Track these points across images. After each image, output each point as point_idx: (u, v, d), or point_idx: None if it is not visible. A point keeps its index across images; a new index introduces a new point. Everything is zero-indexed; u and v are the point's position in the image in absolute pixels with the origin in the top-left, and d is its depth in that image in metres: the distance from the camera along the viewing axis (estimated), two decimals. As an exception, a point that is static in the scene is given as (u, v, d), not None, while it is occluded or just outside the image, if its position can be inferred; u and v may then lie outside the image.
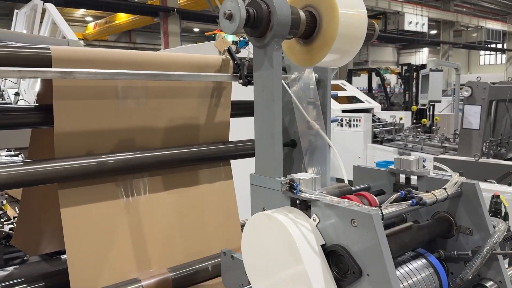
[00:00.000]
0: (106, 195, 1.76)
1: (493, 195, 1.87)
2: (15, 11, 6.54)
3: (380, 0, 18.31)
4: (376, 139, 8.04)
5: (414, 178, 1.60)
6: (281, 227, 1.25)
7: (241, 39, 2.01)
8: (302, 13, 1.40)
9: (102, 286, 1.68)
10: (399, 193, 1.33)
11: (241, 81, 1.96)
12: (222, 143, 2.11)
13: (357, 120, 8.14)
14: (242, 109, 2.26)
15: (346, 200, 1.25)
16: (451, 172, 1.54)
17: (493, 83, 6.60)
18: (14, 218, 2.71)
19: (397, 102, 13.02)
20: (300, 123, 2.18)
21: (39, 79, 2.30)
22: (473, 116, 6.44)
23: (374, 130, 8.08)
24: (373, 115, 8.85)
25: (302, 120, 2.15)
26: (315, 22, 1.42)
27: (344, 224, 1.20)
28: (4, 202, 3.07)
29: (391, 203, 1.28)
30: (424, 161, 1.63)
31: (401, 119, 8.34)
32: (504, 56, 29.67)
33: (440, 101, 8.54)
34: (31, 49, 1.54)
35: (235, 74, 1.99)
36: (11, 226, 2.60)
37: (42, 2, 5.45)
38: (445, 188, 1.43)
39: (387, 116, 8.90)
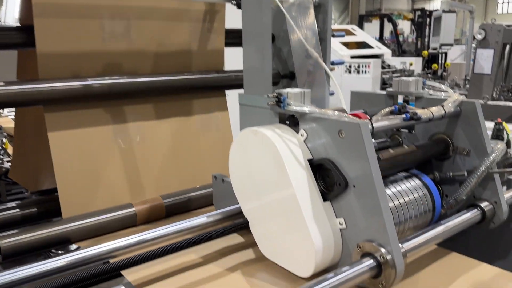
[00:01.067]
0: (95, 120, 1.72)
1: (496, 122, 1.81)
2: None
3: None
4: (385, 85, 7.86)
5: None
6: (267, 142, 1.22)
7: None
8: None
9: (94, 210, 1.68)
10: (393, 107, 1.27)
11: (235, 2, 1.85)
12: (216, 72, 2.04)
13: (366, 66, 7.92)
14: (239, 37, 2.17)
15: (337, 112, 1.19)
16: (450, 92, 1.47)
17: (508, 26, 6.32)
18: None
19: (409, 49, 12.63)
20: (298, 51, 2.10)
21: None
22: (485, 60, 6.22)
23: (383, 76, 7.88)
24: (383, 61, 8.59)
25: (300, 48, 2.06)
26: None
27: (332, 137, 1.16)
28: (4, 140, 3.07)
29: (381, 116, 1.23)
30: (424, 82, 1.56)
31: (411, 64, 8.12)
32: (523, 3, 28.41)
33: (452, 45, 8.27)
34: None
35: (227, -5, 1.88)
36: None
37: None
38: (442, 106, 1.37)
39: (397, 62, 8.66)
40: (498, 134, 1.81)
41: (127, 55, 1.80)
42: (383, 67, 8.15)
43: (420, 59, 8.84)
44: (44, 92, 1.54)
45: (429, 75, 7.67)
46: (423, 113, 1.31)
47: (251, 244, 1.40)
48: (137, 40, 1.81)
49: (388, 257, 1.06)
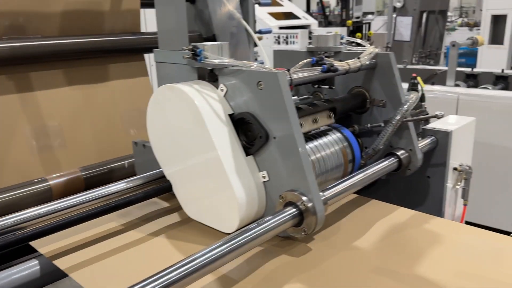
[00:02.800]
0: (-4, 88, 1.57)
1: (411, 77, 1.90)
2: None
3: None
4: (313, 55, 8.00)
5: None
6: (185, 98, 1.18)
7: None
8: None
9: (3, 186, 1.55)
10: (310, 59, 1.28)
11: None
12: (132, 34, 1.94)
13: (294, 36, 8.01)
14: None
15: (256, 64, 1.18)
16: (367, 45, 1.51)
17: (425, -6, 6.67)
18: None
19: (334, 21, 12.94)
20: (219, 12, 2.05)
21: None
22: (405, 27, 6.56)
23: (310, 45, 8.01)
24: (310, 32, 8.74)
25: (221, 9, 2.01)
26: None
27: (251, 89, 1.15)
28: None
29: (300, 68, 1.23)
30: (342, 37, 1.59)
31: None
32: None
33: (373, 13, 8.59)
34: None
35: None
36: None
37: None
38: (359, 58, 1.40)
39: (323, 32, 8.83)
40: (413, 88, 1.90)
41: (30, 15, 1.65)
42: (310, 38, 8.28)
43: (345, 29, 9.09)
44: None
45: (353, 44, 7.90)
46: (340, 65, 1.34)
47: (176, 208, 1.37)
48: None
49: (309, 204, 1.08)
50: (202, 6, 2.18)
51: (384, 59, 1.47)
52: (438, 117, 1.52)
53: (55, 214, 1.16)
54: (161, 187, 1.35)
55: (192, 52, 1.19)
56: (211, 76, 1.25)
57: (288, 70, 1.21)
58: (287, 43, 8.05)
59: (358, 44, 1.57)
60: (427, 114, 1.79)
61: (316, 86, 1.63)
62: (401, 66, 4.82)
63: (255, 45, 2.07)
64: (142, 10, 2.04)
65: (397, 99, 1.46)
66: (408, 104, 1.43)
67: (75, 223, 1.12)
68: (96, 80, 1.88)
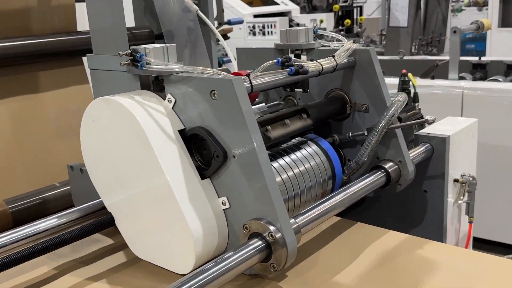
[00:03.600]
0: None
1: (401, 74, 1.94)
2: None
3: None
4: (295, 47, 8.09)
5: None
6: (124, 113, 1.18)
7: None
8: None
9: None
10: (275, 60, 1.29)
11: None
12: (67, 34, 1.93)
13: (271, 25, 8.08)
14: None
15: (209, 70, 1.19)
16: (344, 40, 1.52)
17: (422, -30, 6.80)
18: None
19: (320, 5, 13.11)
20: (172, 4, 2.05)
21: None
22: (401, 11, 6.65)
23: (291, 36, 8.09)
24: (291, 20, 8.83)
25: (176, 0, 2.01)
26: None
27: (204, 99, 1.16)
28: None
29: (264, 71, 1.24)
30: (315, 31, 1.61)
31: (321, 21, 8.43)
32: None
33: (363, -2, 8.73)
34: None
35: None
36: None
37: None
38: (333, 56, 1.42)
39: (306, 20, 8.93)
40: (403, 87, 1.95)
41: None
42: (291, 26, 8.36)
43: (332, 15, 9.21)
44: None
45: (342, 32, 8.02)
46: (311, 65, 1.35)
47: (121, 246, 1.37)
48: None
49: (278, 235, 1.08)
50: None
51: (363, 56, 1.49)
52: (428, 122, 1.55)
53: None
54: (103, 221, 1.33)
55: (131, 58, 1.19)
56: (156, 85, 1.25)
57: (248, 75, 1.21)
58: (264, 33, 8.12)
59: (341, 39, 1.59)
60: (421, 116, 1.83)
61: (288, 89, 1.65)
62: (397, 57, 4.90)
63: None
64: (78, 5, 2.03)
65: (381, 102, 1.49)
66: (394, 107, 1.45)
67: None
68: (23, 91, 1.85)
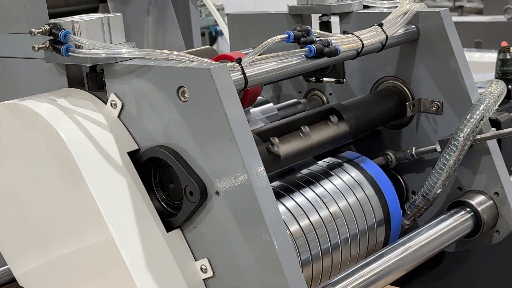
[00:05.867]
0: None
1: (500, 48, 1.95)
2: None
3: None
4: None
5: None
6: (40, 127, 1.20)
7: None
8: None
9: None
10: (284, 35, 1.30)
11: None
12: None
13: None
14: None
15: (173, 52, 1.21)
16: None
17: None
18: None
19: None
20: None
21: None
22: None
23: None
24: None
25: None
26: None
27: (168, 102, 1.18)
28: None
29: (266, 53, 1.26)
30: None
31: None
32: None
33: None
34: None
35: None
36: None
37: None
38: (381, 25, 1.43)
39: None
40: (503, 70, 1.94)
41: None
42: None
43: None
44: None
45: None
46: (344, 41, 1.36)
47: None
48: None
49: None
50: None
51: (432, 23, 1.51)
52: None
53: None
54: None
55: (51, 37, 1.21)
56: (92, 79, 1.28)
57: (240, 60, 1.22)
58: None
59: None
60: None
61: (313, 80, 1.68)
62: (502, 17, 4.89)
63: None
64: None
65: (463, 98, 1.50)
66: (483, 105, 1.45)
67: None
68: None
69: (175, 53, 1.21)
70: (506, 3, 6.14)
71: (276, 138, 1.35)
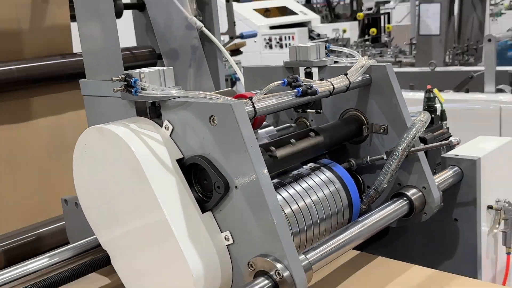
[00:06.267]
0: None
1: (426, 90, 1.95)
2: None
3: None
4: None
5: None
6: (118, 143, 1.21)
7: None
8: None
9: None
10: (281, 81, 1.31)
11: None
12: (61, 56, 2.00)
13: (289, 37, 8.19)
14: None
15: (208, 94, 1.22)
16: (358, 56, 1.55)
17: (455, -28, 6.82)
18: None
19: (343, 13, 13.23)
20: (175, 21, 2.11)
21: None
22: (432, 17, 6.66)
23: (311, 49, 8.17)
24: (311, 31, 8.94)
25: (178, 16, 2.07)
26: None
27: (203, 126, 1.19)
28: None
29: (269, 93, 1.27)
30: (327, 47, 1.64)
31: (344, 31, 8.51)
32: None
33: (389, 1, 8.78)
34: None
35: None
36: None
37: None
38: (345, 75, 1.45)
39: (328, 30, 9.04)
40: (428, 105, 1.95)
41: None
42: (311, 38, 8.46)
43: (356, 24, 9.28)
44: None
45: (367, 42, 8.06)
46: (321, 85, 1.38)
47: (118, 286, 1.38)
48: None
49: (285, 273, 1.09)
50: (154, 13, 2.25)
51: (380, 73, 1.52)
52: (452, 144, 1.55)
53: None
54: (98, 260, 1.37)
55: (125, 83, 1.23)
56: (152, 111, 1.28)
57: (251, 98, 1.24)
58: (281, 46, 8.21)
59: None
60: (450, 136, 1.83)
61: (299, 111, 1.68)
62: (428, 69, 4.90)
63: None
64: (74, 25, 2.09)
65: (401, 123, 1.51)
66: (415, 128, 1.46)
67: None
68: (16, 118, 1.92)
69: (208, 93, 1.23)
70: (430, 59, 6.14)
71: (274, 147, 1.36)
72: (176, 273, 1.19)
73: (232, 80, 7.65)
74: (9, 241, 1.73)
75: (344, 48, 1.62)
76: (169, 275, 1.21)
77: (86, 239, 1.44)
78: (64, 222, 1.77)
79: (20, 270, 1.30)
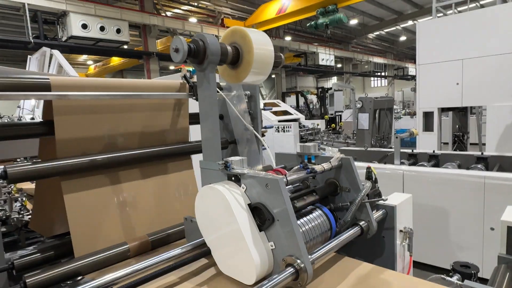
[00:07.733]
0: (98, 183, 1.71)
1: (367, 167, 2.01)
2: (28, 56, 6.15)
3: (301, 44, 18.86)
4: (303, 139, 8.26)
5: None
6: (220, 194, 1.28)
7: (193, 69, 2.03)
8: (229, 47, 1.45)
9: (98, 249, 1.63)
10: (299, 166, 1.41)
11: (194, 97, 1.99)
12: (183, 143, 2.12)
13: (288, 127, 8.32)
14: (197, 118, 2.24)
15: (264, 172, 1.31)
16: (335, 153, 1.64)
17: (376, 98, 6.98)
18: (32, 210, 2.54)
19: (316, 114, 13.41)
20: (239, 127, 2.23)
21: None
22: (364, 120, 6.79)
23: (300, 133, 8.29)
24: (300, 124, 9.05)
25: (240, 124, 2.19)
26: (239, 53, 1.46)
27: (262, 188, 1.25)
28: (24, 199, 2.90)
29: (293, 172, 1.36)
30: (319, 147, 1.74)
31: (318, 125, 8.60)
32: (385, 80, 31.40)
33: (342, 111, 8.92)
34: (34, 79, 1.49)
35: (190, 93, 2.01)
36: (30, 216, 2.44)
37: (49, 49, 5.19)
38: (330, 162, 1.54)
39: (309, 123, 9.14)
40: (369, 176, 2.00)
41: (121, 136, 1.83)
42: (300, 127, 8.56)
43: (323, 121, 9.39)
44: (61, 167, 1.54)
45: (330, 131, 8.14)
46: (318, 168, 1.47)
47: (213, 264, 1.43)
48: (128, 126, 1.84)
49: (302, 265, 1.14)
50: (227, 121, 2.36)
51: (346, 161, 1.57)
52: (384, 199, 1.62)
53: (136, 273, 1.24)
54: (204, 251, 1.41)
55: (224, 164, 1.33)
56: (236, 178, 1.35)
57: (286, 175, 1.33)
58: (284, 131, 8.33)
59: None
60: (379, 193, 1.88)
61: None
62: (363, 148, 4.95)
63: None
64: (191, 127, 2.22)
65: (357, 186, 1.56)
66: (364, 190, 1.52)
67: (150, 279, 1.19)
68: (160, 173, 1.99)
69: (263, 172, 1.30)
70: (363, 142, 6.14)
71: (296, 201, 1.41)
72: (245, 261, 1.22)
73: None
74: (153, 236, 1.77)
75: (329, 147, 1.71)
76: (241, 262, 1.24)
77: (197, 240, 1.48)
78: (181, 227, 1.82)
79: (165, 253, 1.36)
